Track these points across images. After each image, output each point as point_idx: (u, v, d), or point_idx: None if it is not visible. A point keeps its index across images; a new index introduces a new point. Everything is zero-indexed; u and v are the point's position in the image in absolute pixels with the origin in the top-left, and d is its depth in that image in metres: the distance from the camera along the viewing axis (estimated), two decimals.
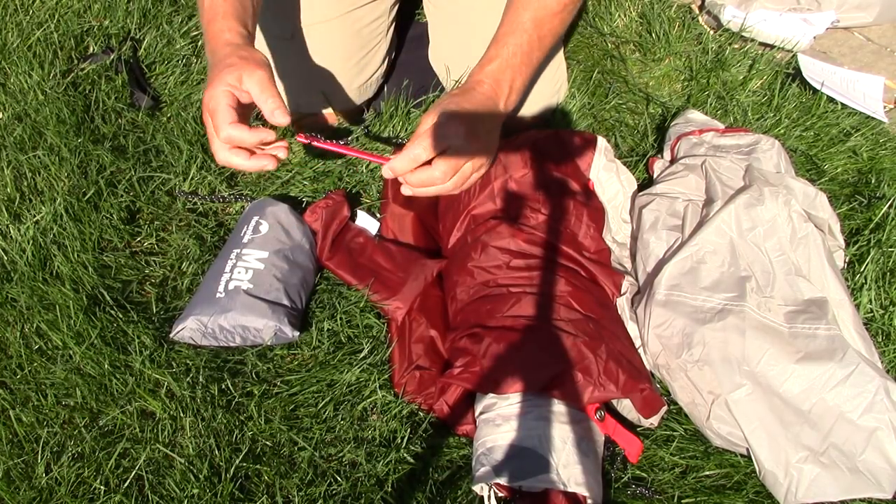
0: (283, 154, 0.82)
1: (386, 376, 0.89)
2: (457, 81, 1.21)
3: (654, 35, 1.48)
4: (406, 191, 0.83)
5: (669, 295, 0.89)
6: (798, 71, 1.39)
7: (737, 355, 0.83)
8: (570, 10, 0.94)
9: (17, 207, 1.04)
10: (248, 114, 0.83)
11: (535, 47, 0.91)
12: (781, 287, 0.89)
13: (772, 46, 1.50)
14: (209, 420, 0.83)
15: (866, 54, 1.56)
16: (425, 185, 0.82)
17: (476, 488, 0.77)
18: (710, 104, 1.33)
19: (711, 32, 1.53)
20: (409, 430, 0.84)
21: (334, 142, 0.89)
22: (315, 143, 0.87)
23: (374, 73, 1.24)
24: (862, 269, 1.02)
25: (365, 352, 0.91)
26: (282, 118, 0.78)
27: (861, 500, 0.78)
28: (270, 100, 0.78)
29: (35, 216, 1.01)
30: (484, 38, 0.99)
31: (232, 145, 0.79)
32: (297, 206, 1.08)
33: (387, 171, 0.81)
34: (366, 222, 1.05)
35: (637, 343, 0.91)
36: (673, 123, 1.21)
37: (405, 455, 0.82)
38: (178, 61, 1.29)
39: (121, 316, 0.91)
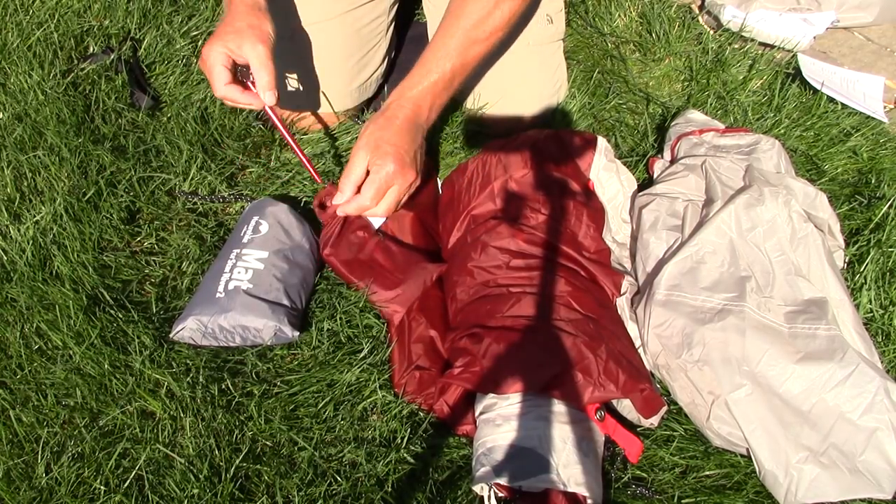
0: (270, 100, 0.94)
1: (386, 376, 0.89)
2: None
3: (654, 35, 1.48)
4: (340, 213, 0.95)
5: (669, 295, 0.89)
6: (798, 71, 1.39)
7: (737, 355, 0.83)
8: (497, 37, 1.01)
9: (17, 207, 1.04)
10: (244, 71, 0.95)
11: (459, 73, 0.99)
12: (781, 287, 0.89)
13: (772, 46, 1.50)
14: (209, 420, 0.83)
15: (866, 54, 1.56)
16: (361, 211, 0.94)
17: (476, 488, 0.77)
18: (710, 104, 1.33)
19: (711, 32, 1.53)
20: (409, 430, 0.84)
21: (295, 137, 1.00)
22: (273, 119, 0.97)
23: (373, 73, 1.24)
24: (862, 269, 1.02)
25: (365, 352, 0.91)
26: (270, 99, 0.93)
27: (861, 500, 0.78)
28: (264, 77, 0.91)
29: (35, 216, 1.01)
30: None
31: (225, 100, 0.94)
32: (297, 206, 1.08)
33: (341, 213, 0.94)
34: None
35: (637, 343, 0.91)
36: (673, 123, 1.21)
37: (405, 455, 0.82)
38: (178, 61, 1.29)
39: (121, 316, 0.91)
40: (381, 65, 1.25)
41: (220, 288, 0.90)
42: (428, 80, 0.96)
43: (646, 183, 1.13)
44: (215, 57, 0.89)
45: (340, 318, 0.94)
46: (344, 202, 0.93)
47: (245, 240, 0.96)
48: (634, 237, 1.02)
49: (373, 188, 0.92)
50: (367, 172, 0.93)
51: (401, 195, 0.95)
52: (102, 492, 0.77)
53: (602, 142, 1.05)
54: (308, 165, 1.01)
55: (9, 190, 1.06)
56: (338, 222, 0.97)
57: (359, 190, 0.93)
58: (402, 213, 1.04)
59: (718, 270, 0.90)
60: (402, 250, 0.99)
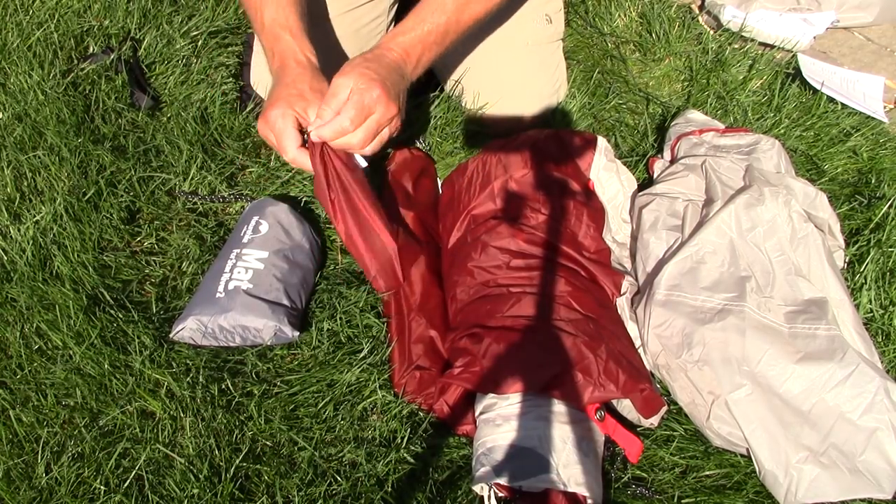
0: None
1: (386, 376, 0.89)
2: (443, 84, 1.20)
3: (654, 35, 1.48)
4: (314, 137, 0.85)
5: (669, 295, 0.89)
6: (798, 71, 1.39)
7: (737, 355, 0.83)
8: (496, 1, 0.97)
9: (17, 207, 1.04)
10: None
11: (452, 30, 0.94)
12: (781, 287, 0.89)
13: (772, 46, 1.50)
14: (209, 420, 0.83)
15: (866, 54, 1.56)
16: (338, 135, 0.85)
17: (476, 488, 0.77)
18: (710, 104, 1.33)
19: (711, 32, 1.53)
20: (409, 430, 0.84)
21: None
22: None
23: None
24: (862, 269, 1.02)
25: (365, 352, 0.91)
26: None
27: (861, 500, 0.78)
28: None
29: (35, 216, 1.01)
30: (481, 37, 0.99)
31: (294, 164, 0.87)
32: (297, 206, 1.08)
33: (315, 137, 0.85)
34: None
35: (637, 343, 0.91)
36: (673, 123, 1.21)
37: (405, 455, 0.82)
38: (178, 61, 1.29)
39: (121, 316, 0.91)
40: None
41: (220, 288, 0.90)
42: (421, 28, 0.92)
43: (646, 183, 1.13)
44: (287, 120, 0.85)
45: (340, 318, 0.94)
46: (320, 125, 0.85)
47: (245, 240, 0.96)
48: (634, 237, 1.02)
49: (353, 109, 0.84)
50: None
51: (380, 125, 0.87)
52: (102, 492, 0.77)
53: (602, 142, 1.05)
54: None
55: (9, 190, 1.06)
56: (316, 150, 0.86)
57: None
58: (402, 212, 1.04)
59: (718, 270, 0.90)
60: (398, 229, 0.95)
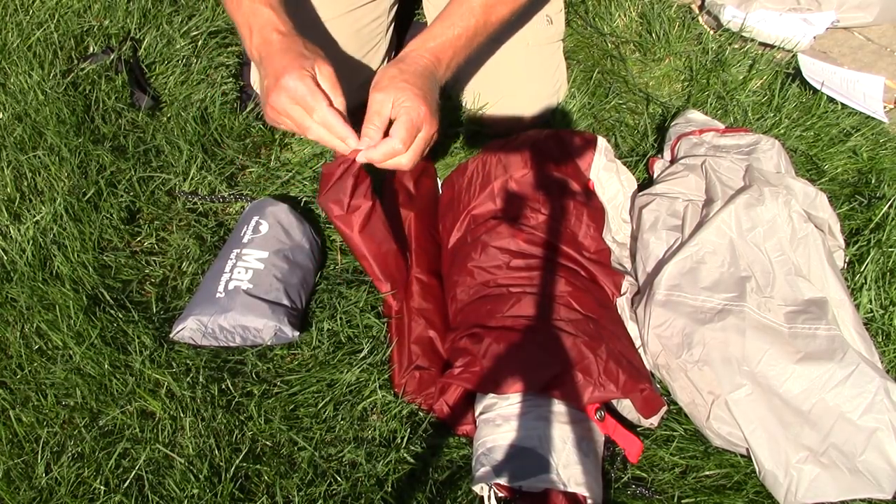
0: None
1: (386, 376, 0.89)
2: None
3: (654, 35, 1.48)
4: (362, 159, 0.82)
5: (669, 295, 0.89)
6: (798, 71, 1.39)
7: (737, 355, 0.83)
8: (521, 1, 0.97)
9: (17, 207, 1.04)
10: None
11: (480, 32, 0.94)
12: (781, 287, 0.89)
13: (772, 46, 1.50)
14: (209, 420, 0.83)
15: (866, 54, 1.56)
16: (389, 157, 0.82)
17: (476, 488, 0.77)
18: (710, 104, 1.33)
19: (711, 32, 1.53)
20: (409, 430, 0.84)
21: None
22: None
23: (373, 74, 1.24)
24: (862, 269, 1.02)
25: (365, 352, 0.91)
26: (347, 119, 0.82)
27: (861, 500, 0.78)
28: (340, 98, 0.83)
29: (35, 216, 1.01)
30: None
31: (323, 126, 0.81)
32: (297, 206, 1.08)
33: (363, 158, 0.82)
34: None
35: (637, 343, 0.91)
36: (673, 123, 1.21)
37: (405, 455, 0.82)
38: (178, 61, 1.29)
39: (121, 316, 0.91)
40: (381, 65, 1.25)
41: (220, 288, 0.90)
42: (451, 32, 0.91)
43: (646, 183, 1.13)
44: (307, 81, 0.80)
45: (340, 318, 0.94)
46: (368, 147, 0.81)
47: (245, 240, 0.96)
48: (634, 237, 1.02)
49: (404, 129, 0.80)
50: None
51: (426, 144, 0.84)
52: (102, 492, 0.78)
53: (602, 142, 1.05)
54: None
55: (9, 190, 1.06)
56: (353, 168, 0.84)
57: (385, 134, 0.82)
58: (402, 213, 1.04)
59: (718, 270, 0.90)
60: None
